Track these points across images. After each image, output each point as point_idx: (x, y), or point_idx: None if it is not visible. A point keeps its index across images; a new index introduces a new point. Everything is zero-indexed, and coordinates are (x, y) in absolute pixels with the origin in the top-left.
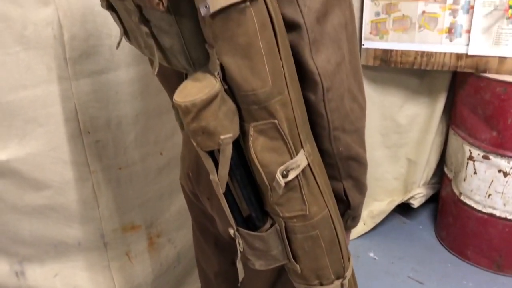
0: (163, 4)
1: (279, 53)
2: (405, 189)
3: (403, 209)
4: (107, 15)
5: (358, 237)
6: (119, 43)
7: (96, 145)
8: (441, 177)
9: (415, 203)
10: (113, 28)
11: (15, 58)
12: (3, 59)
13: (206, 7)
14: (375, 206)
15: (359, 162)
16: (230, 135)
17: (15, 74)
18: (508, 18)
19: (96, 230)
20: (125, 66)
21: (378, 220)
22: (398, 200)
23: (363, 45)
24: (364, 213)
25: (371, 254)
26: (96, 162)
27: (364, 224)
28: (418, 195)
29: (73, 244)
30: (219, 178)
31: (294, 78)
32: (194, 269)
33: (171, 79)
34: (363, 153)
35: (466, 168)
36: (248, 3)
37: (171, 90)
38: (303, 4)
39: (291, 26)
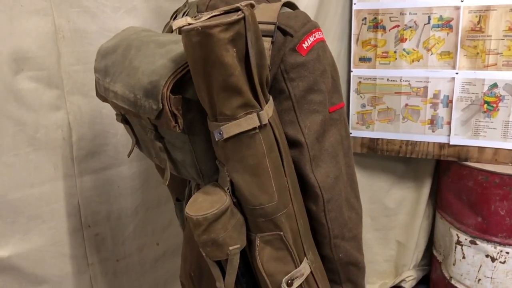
0: (179, 127)
1: (284, 170)
2: (396, 272)
3: None
4: (114, 116)
5: None
6: (130, 152)
7: (95, 238)
8: (430, 259)
9: (407, 286)
10: (119, 128)
11: (25, 159)
12: (13, 159)
13: (220, 133)
14: None
15: (358, 267)
16: (238, 246)
17: (23, 173)
18: (484, 112)
19: None
20: (128, 161)
21: None
22: (389, 283)
23: (351, 133)
24: None
25: None
26: (95, 254)
27: None
28: (409, 278)
29: None
30: (225, 286)
31: (297, 190)
32: None
33: (175, 177)
34: (362, 258)
35: (454, 252)
36: (257, 130)
37: (172, 186)
38: (304, 126)
39: (294, 144)
